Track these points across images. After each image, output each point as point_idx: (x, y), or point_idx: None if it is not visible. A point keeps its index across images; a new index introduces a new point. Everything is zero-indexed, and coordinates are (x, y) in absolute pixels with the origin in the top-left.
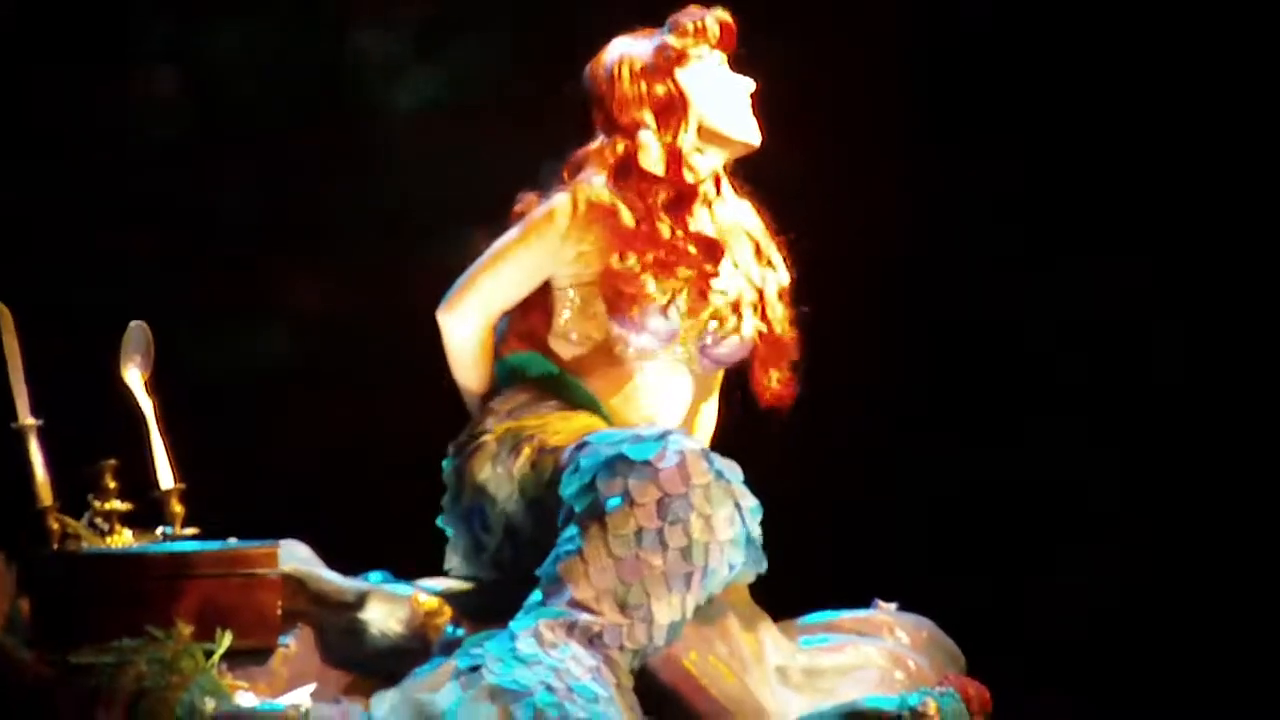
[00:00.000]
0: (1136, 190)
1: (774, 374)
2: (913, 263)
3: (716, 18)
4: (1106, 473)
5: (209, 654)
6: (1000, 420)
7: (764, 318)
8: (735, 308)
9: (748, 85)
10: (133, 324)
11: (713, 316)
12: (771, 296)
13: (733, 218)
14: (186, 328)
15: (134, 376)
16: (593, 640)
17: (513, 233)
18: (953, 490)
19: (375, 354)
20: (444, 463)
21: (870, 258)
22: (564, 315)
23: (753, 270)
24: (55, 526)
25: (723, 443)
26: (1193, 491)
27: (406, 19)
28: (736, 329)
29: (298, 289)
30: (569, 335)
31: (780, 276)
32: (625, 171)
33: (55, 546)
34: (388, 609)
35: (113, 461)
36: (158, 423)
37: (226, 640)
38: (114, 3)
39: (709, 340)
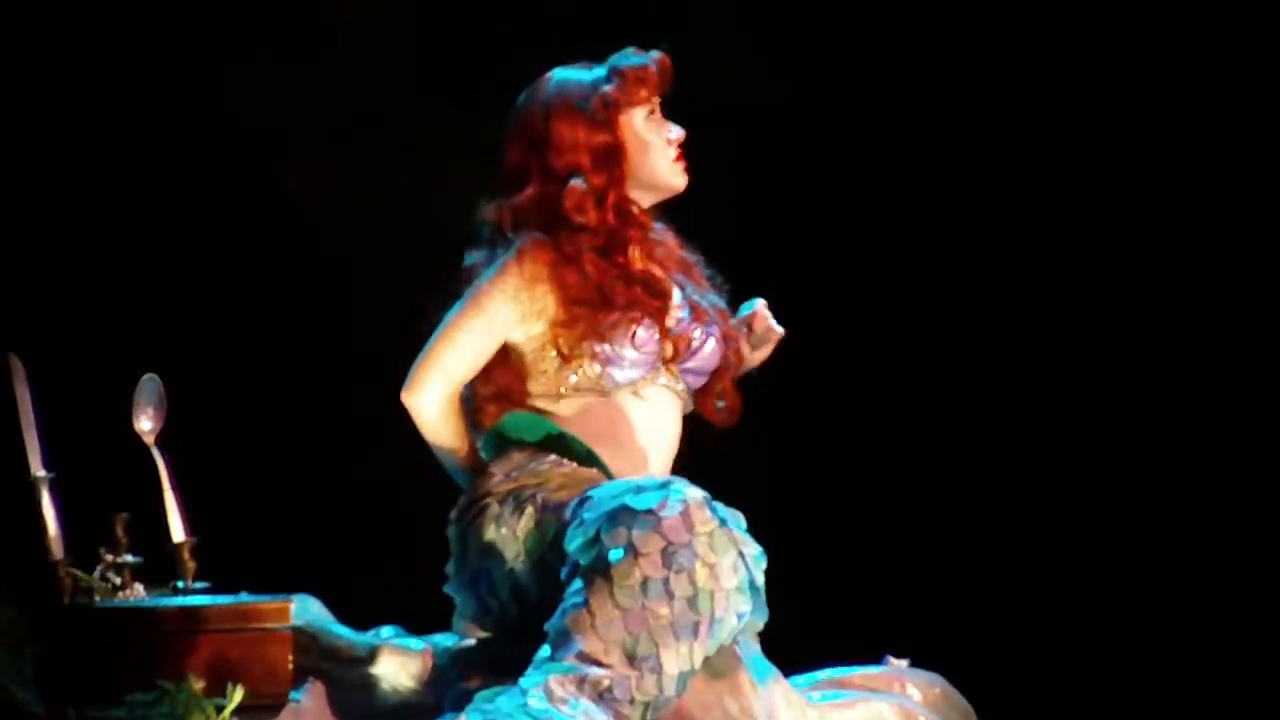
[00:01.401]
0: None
1: (728, 389)
2: None
3: (659, 64)
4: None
5: (220, 708)
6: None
7: (722, 333)
8: (698, 318)
9: (679, 133)
10: (145, 377)
11: (679, 335)
12: (718, 313)
13: (664, 249)
14: (199, 381)
15: (146, 429)
16: (603, 695)
17: (465, 301)
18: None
19: (389, 408)
20: (448, 530)
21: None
22: (545, 370)
23: (695, 294)
24: (67, 580)
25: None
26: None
27: None
28: (704, 337)
29: (311, 339)
30: (559, 389)
31: (718, 298)
32: (563, 219)
33: (67, 600)
34: (399, 664)
35: (125, 515)
36: (170, 476)
37: (238, 695)
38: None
39: (687, 352)
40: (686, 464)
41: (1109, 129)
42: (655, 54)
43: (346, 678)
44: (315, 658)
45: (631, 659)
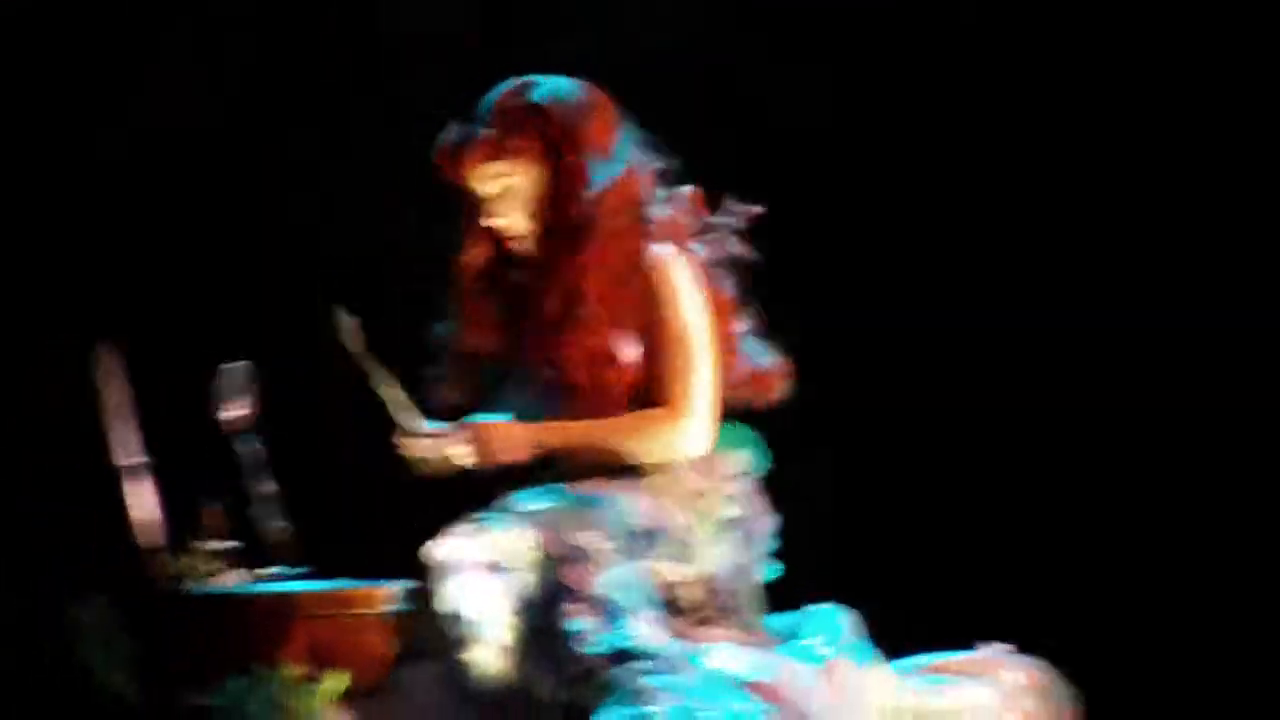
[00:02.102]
0: None
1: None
2: None
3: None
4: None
5: (318, 694)
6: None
7: None
8: None
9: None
10: (235, 364)
11: None
12: None
13: None
14: (296, 366)
15: (235, 417)
16: None
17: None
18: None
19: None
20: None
21: None
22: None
23: None
24: (164, 567)
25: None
26: None
27: None
28: None
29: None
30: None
31: None
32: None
33: (164, 587)
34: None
35: (221, 502)
36: (266, 463)
37: (335, 681)
38: None
39: None
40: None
41: (1108, 123)
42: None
43: (444, 663)
44: (413, 644)
45: None
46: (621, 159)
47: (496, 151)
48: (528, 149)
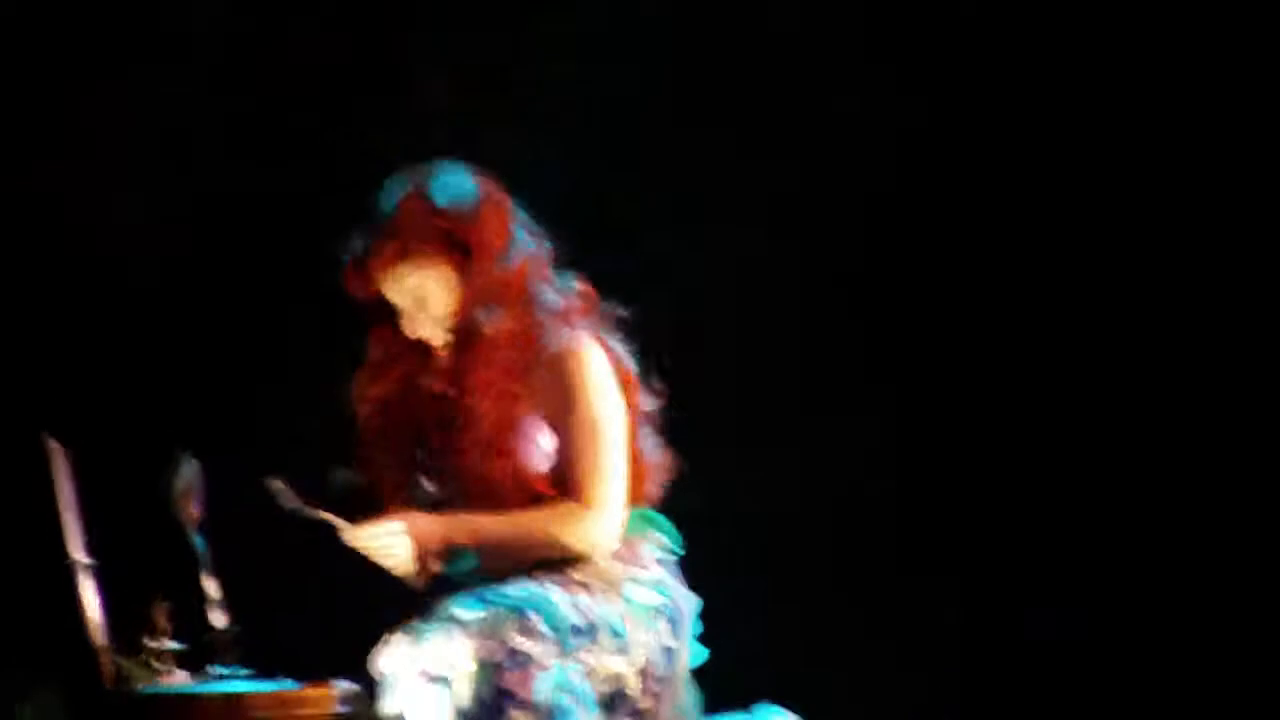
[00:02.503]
0: None
1: None
2: None
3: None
4: None
5: None
6: None
7: None
8: None
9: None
10: (183, 459)
11: None
12: None
13: None
14: (240, 464)
15: (185, 514)
16: None
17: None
18: None
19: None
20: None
21: None
22: None
23: None
24: (110, 667)
25: None
26: None
27: None
28: None
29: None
30: None
31: None
32: None
33: (110, 686)
34: None
35: (166, 601)
36: (210, 561)
37: None
38: None
39: None
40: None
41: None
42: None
43: None
44: None
45: None
46: (520, 250)
47: (402, 256)
48: (432, 252)
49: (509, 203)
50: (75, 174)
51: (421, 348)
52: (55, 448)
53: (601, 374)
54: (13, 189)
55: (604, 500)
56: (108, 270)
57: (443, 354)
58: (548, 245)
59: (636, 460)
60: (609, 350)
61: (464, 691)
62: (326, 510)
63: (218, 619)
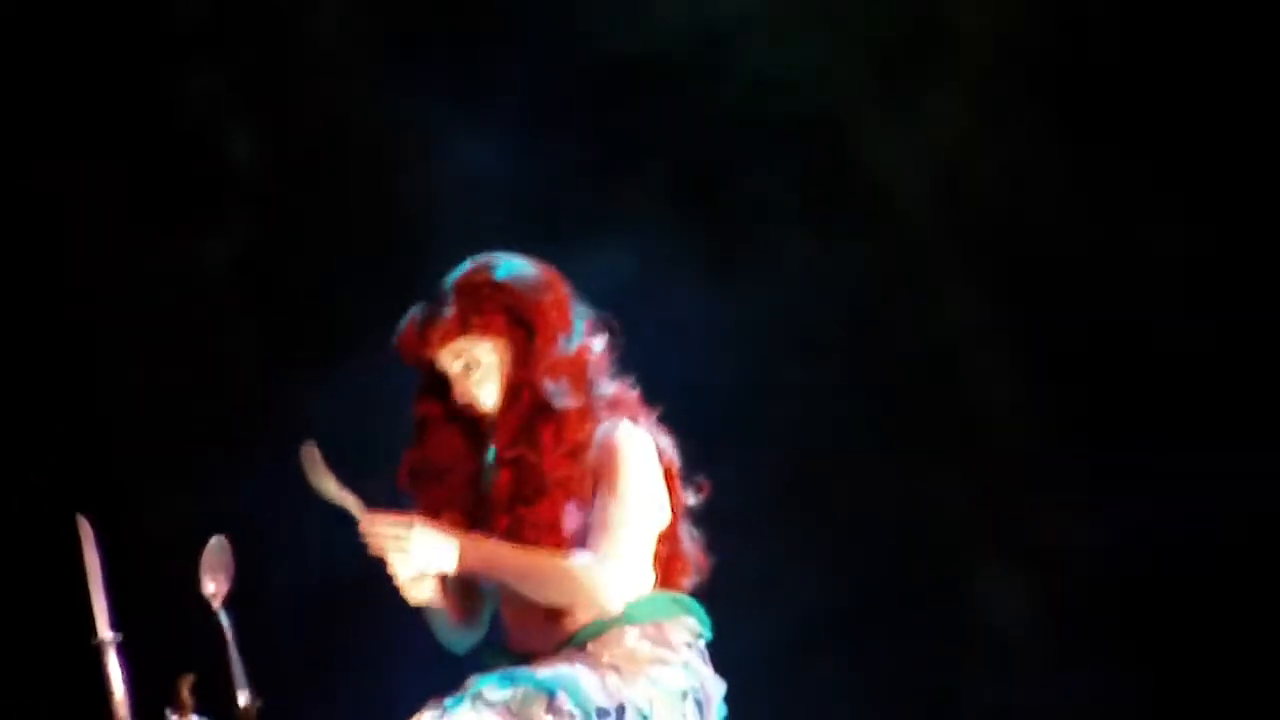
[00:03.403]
0: None
1: None
2: None
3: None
4: None
5: None
6: None
7: None
8: None
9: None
10: (213, 539)
11: None
12: None
13: None
14: (267, 543)
15: (212, 591)
16: None
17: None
18: None
19: None
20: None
21: None
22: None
23: None
24: None
25: None
26: None
27: None
28: None
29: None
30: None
31: None
32: None
33: None
34: None
35: (190, 676)
36: (235, 639)
37: None
38: None
39: None
40: None
41: None
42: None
43: None
44: None
45: None
46: (578, 336)
47: (462, 328)
48: (492, 324)
49: (568, 289)
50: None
51: (466, 416)
52: (85, 525)
53: (644, 456)
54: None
55: (615, 556)
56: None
57: (492, 427)
58: (606, 338)
59: (674, 547)
60: (656, 441)
61: None
62: (350, 492)
63: (243, 696)
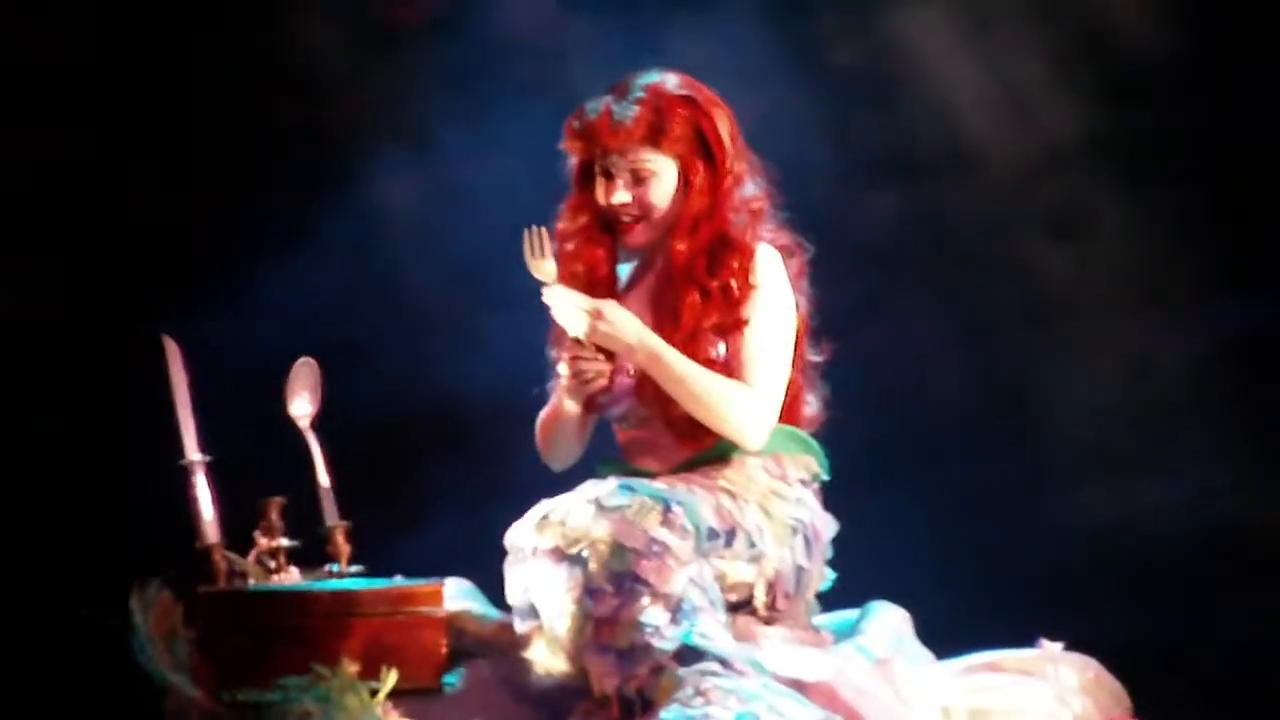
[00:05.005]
0: None
1: None
2: None
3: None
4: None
5: (374, 692)
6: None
7: None
8: None
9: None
10: (300, 361)
11: None
12: None
13: None
14: (355, 365)
15: (301, 413)
16: None
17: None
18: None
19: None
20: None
21: None
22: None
23: None
24: (222, 564)
25: None
26: None
27: None
28: None
29: (471, 328)
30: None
31: None
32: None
33: (222, 584)
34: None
35: (279, 498)
36: (324, 460)
37: (392, 679)
38: None
39: None
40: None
41: None
42: (589, 107)
43: (500, 661)
44: (469, 642)
45: None
46: (751, 170)
47: (655, 136)
48: (683, 141)
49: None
50: None
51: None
52: (171, 346)
53: (784, 283)
54: None
55: (768, 391)
56: None
57: (646, 243)
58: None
59: (795, 380)
60: (790, 271)
61: (597, 571)
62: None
63: (331, 516)
